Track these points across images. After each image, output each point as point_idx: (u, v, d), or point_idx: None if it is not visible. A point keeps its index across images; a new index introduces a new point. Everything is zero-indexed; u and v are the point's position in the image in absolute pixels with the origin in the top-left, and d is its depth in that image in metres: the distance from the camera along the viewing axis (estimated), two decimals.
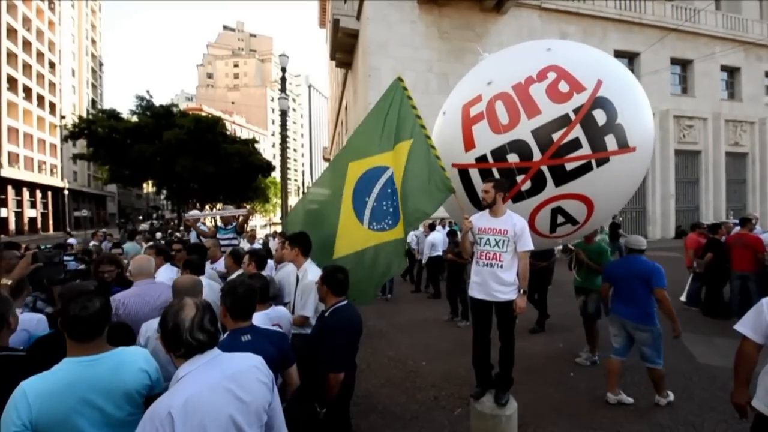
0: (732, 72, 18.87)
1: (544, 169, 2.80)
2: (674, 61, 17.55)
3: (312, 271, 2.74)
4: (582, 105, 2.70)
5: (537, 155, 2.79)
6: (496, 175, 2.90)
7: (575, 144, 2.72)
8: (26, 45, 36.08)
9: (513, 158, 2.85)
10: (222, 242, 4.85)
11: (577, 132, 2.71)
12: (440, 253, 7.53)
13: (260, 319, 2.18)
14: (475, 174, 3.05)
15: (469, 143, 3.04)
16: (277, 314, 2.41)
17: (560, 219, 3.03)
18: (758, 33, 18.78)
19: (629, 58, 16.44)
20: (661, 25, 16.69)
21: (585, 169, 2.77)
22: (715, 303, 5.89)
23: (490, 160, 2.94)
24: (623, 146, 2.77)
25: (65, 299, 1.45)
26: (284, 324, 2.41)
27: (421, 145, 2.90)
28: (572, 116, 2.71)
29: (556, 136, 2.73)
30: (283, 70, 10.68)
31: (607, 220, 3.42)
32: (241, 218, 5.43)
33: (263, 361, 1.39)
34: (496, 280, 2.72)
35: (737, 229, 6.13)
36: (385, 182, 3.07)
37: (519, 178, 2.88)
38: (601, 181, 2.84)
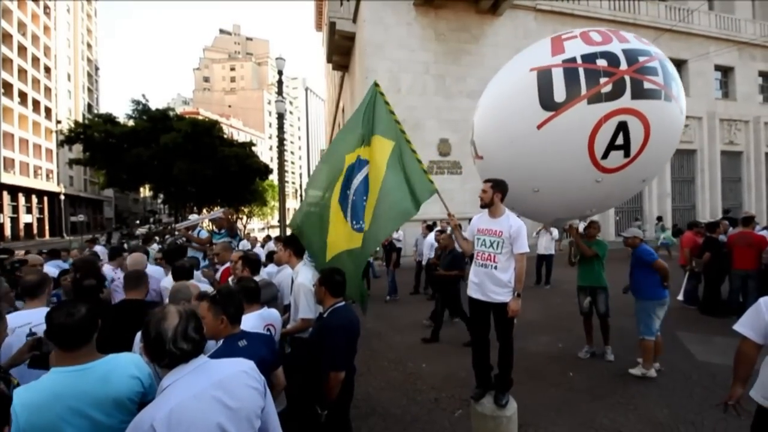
0: (726, 71, 19.01)
1: (627, 78, 3.09)
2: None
3: (303, 273, 2.76)
4: (658, 52, 3.33)
5: (624, 65, 3.12)
6: (582, 76, 3.07)
7: (654, 70, 3.15)
8: (21, 50, 35.95)
9: (602, 62, 3.14)
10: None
11: (656, 64, 3.19)
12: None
13: (254, 320, 2.17)
14: (558, 74, 3.18)
15: (557, 50, 3.32)
16: (270, 315, 2.40)
17: (619, 140, 3.16)
18: (751, 33, 18.95)
19: None
20: (655, 25, 16.81)
21: (656, 94, 3.13)
22: (713, 301, 5.90)
23: (579, 61, 3.17)
24: (678, 97, 3.28)
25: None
26: (277, 325, 2.42)
27: (403, 148, 2.97)
28: (653, 53, 3.26)
29: (642, 59, 3.16)
30: (280, 73, 10.67)
31: (655, 170, 3.84)
32: (223, 221, 5.46)
33: (253, 366, 1.36)
34: (492, 281, 2.74)
35: (731, 228, 6.16)
36: (364, 178, 2.99)
37: (602, 81, 3.12)
38: (662, 114, 3.18)
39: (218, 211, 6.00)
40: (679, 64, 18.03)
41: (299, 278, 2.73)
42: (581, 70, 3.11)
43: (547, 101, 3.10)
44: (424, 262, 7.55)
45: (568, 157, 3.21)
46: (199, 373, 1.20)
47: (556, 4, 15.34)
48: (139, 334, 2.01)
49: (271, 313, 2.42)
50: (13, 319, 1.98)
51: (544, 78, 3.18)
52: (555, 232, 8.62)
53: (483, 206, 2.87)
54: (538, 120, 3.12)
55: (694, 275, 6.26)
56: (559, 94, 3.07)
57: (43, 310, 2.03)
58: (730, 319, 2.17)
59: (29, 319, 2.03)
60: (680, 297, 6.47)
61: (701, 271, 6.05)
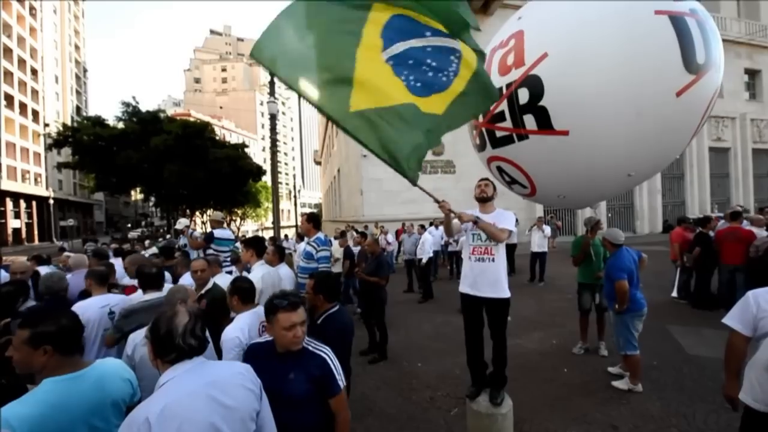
0: None
1: (484, 130, 3.08)
2: None
3: (253, 273, 2.94)
4: (513, 82, 2.76)
5: (480, 117, 3.03)
6: (711, 34, 2.56)
7: (502, 116, 2.89)
8: (7, 52, 35.26)
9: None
10: (220, 249, 4.91)
11: (504, 106, 2.85)
12: (431, 254, 7.79)
13: (250, 317, 2.22)
14: (693, 25, 2.55)
15: None
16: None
17: (506, 177, 3.13)
18: (737, 31, 19.29)
19: None
20: None
21: (509, 139, 2.92)
22: (703, 295, 5.99)
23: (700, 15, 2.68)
24: (545, 128, 2.67)
25: (33, 321, 1.35)
26: None
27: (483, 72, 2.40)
28: (504, 90, 2.83)
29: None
30: (272, 74, 10.61)
31: (568, 202, 3.39)
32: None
33: (249, 368, 1.37)
34: (488, 276, 2.73)
35: (722, 222, 6.24)
36: (442, 47, 2.31)
37: (474, 133, 3.21)
38: (526, 155, 2.91)
39: (182, 221, 6.04)
40: None
41: (250, 276, 2.87)
42: (709, 26, 2.50)
43: (690, 60, 2.35)
44: (424, 260, 7.59)
45: (687, 133, 2.65)
46: (197, 371, 1.22)
47: None
48: (132, 335, 2.03)
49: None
50: (91, 302, 2.50)
51: (681, 27, 2.38)
52: (547, 229, 8.69)
53: (481, 200, 2.87)
54: (679, 85, 2.38)
55: (686, 270, 6.35)
56: (700, 52, 2.39)
57: (112, 295, 2.65)
58: (720, 313, 2.20)
59: (106, 302, 2.51)
60: (674, 293, 6.55)
61: (691, 266, 6.14)
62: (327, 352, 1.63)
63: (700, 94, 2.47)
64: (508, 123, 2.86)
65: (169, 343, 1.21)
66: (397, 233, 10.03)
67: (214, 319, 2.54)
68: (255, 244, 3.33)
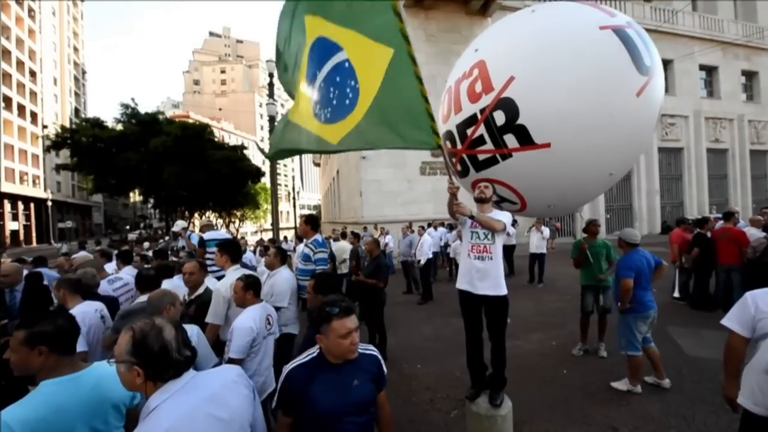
0: (710, 71, 19.41)
1: (465, 156, 3.18)
2: None
3: (225, 278, 2.88)
4: (486, 106, 2.92)
5: (459, 144, 3.17)
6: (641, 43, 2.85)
7: (481, 140, 3.01)
8: (5, 54, 35.21)
9: (446, 145, 3.30)
10: (211, 250, 4.81)
11: (482, 130, 2.99)
12: (430, 255, 7.77)
13: (259, 310, 2.40)
14: (634, 35, 2.91)
15: (607, 12, 3.08)
16: (270, 308, 2.59)
17: (495, 197, 3.17)
18: (734, 33, 19.40)
19: None
20: (642, 26, 16.93)
21: (493, 161, 3.03)
22: (702, 296, 6.01)
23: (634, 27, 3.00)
24: (527, 144, 2.78)
25: (30, 322, 1.36)
26: (274, 316, 2.58)
27: (405, 68, 2.39)
28: (479, 116, 2.99)
29: (469, 131, 3.06)
30: (271, 75, 10.60)
31: (558, 210, 3.51)
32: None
33: (241, 372, 1.34)
34: (487, 274, 2.76)
35: (721, 223, 6.27)
36: (337, 65, 2.65)
37: (453, 161, 3.35)
38: (512, 172, 2.98)
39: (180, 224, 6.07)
40: (665, 63, 18.38)
41: (218, 283, 2.87)
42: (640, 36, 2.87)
43: (639, 64, 2.64)
44: (423, 262, 7.59)
45: (651, 128, 2.98)
46: (190, 389, 1.14)
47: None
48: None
49: (270, 308, 2.63)
50: (87, 308, 2.50)
51: (624, 37, 2.69)
52: (546, 230, 8.68)
53: (480, 201, 2.93)
54: (637, 86, 2.64)
55: (684, 271, 6.36)
56: (646, 56, 2.70)
57: (96, 302, 2.62)
58: (719, 313, 2.20)
59: (98, 306, 2.55)
60: (675, 294, 6.57)
61: (690, 267, 6.15)
62: (374, 349, 1.62)
63: (654, 91, 2.75)
64: (489, 145, 2.98)
65: (166, 359, 1.11)
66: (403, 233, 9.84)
67: (203, 326, 2.55)
68: (229, 249, 3.10)
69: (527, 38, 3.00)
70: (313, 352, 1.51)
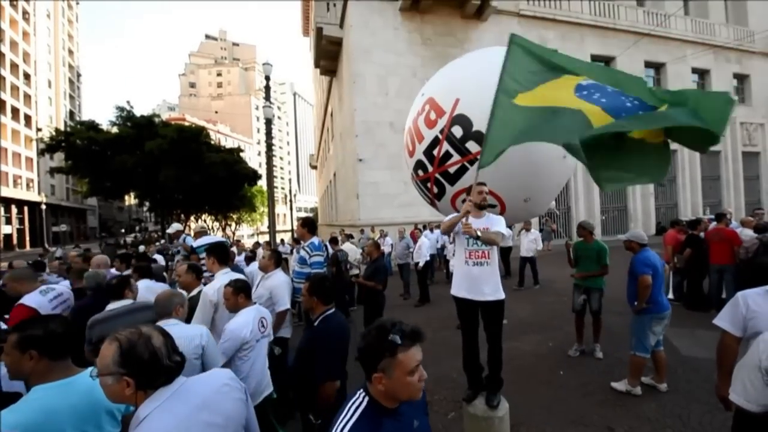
0: (702, 74, 19.66)
1: (438, 176, 3.58)
2: (648, 64, 18.19)
3: (214, 282, 2.84)
4: (444, 127, 3.46)
5: (429, 168, 3.63)
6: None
7: (448, 155, 3.48)
8: None
9: (419, 173, 3.76)
10: (202, 256, 4.82)
11: (446, 146, 3.47)
12: (428, 258, 7.84)
13: (253, 312, 2.39)
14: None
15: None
16: (264, 310, 2.55)
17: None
18: (725, 36, 19.68)
19: (605, 61, 16.97)
20: (635, 30, 17.32)
21: (463, 170, 3.44)
22: (695, 296, 6.06)
23: (412, 173, 4.03)
24: None
25: (22, 325, 1.36)
26: (269, 319, 2.55)
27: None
28: (440, 136, 3.50)
29: (435, 152, 3.56)
30: (267, 78, 10.61)
31: (535, 206, 3.91)
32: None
33: (232, 375, 1.32)
34: (486, 279, 2.75)
35: (713, 224, 6.34)
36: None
37: (428, 186, 3.72)
38: (482, 173, 2.99)
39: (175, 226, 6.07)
40: (658, 67, 18.63)
41: (206, 287, 2.85)
42: (417, 182, 4.06)
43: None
44: (421, 264, 7.60)
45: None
46: (181, 396, 1.11)
47: (539, 10, 15.72)
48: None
49: (265, 310, 2.61)
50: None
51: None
52: (534, 233, 8.72)
53: (482, 207, 2.89)
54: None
55: (679, 272, 6.41)
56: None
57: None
58: (711, 313, 2.23)
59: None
60: (670, 295, 6.60)
61: (683, 268, 6.21)
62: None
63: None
64: (456, 157, 3.43)
65: (157, 366, 1.08)
66: (412, 236, 9.57)
67: None
68: (216, 252, 3.01)
69: (462, 70, 3.79)
70: (358, 400, 1.19)
